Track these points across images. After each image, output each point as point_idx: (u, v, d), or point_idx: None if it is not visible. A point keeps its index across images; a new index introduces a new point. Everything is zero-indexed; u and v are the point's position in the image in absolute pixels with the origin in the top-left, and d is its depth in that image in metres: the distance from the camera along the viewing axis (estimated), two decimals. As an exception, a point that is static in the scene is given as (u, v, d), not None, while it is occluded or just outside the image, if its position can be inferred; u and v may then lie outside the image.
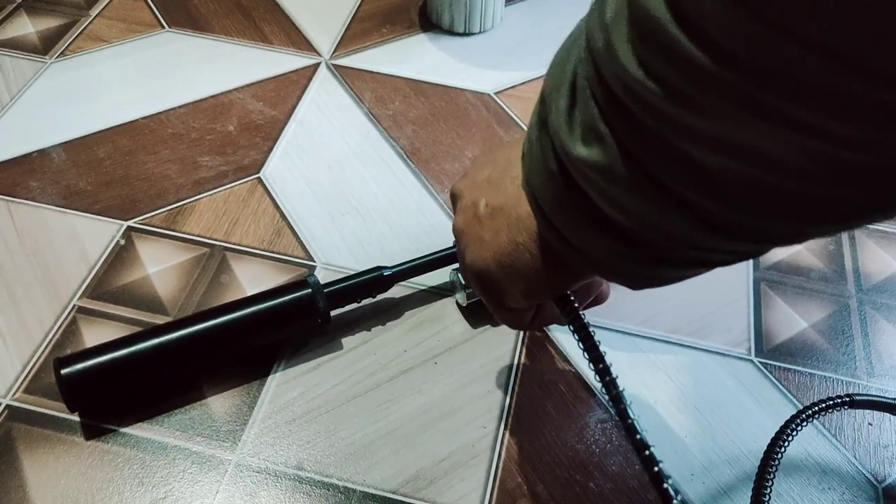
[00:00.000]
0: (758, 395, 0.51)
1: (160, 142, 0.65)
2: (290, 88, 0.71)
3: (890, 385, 0.52)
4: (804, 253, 0.60)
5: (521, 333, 0.54)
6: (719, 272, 0.57)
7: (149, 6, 0.78)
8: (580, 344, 0.39)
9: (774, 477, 0.43)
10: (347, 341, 0.53)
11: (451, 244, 0.54)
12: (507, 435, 0.48)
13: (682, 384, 0.52)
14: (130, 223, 0.59)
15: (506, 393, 0.50)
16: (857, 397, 0.47)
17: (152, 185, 0.62)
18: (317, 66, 0.73)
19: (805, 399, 0.51)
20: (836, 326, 0.55)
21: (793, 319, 0.56)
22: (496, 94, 0.72)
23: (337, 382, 0.50)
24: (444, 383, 0.51)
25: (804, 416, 0.46)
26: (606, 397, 0.37)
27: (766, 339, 0.54)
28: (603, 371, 0.37)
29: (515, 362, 0.52)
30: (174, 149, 0.65)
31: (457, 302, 0.55)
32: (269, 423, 0.48)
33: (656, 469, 0.34)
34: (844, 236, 0.61)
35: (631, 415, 0.36)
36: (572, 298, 0.40)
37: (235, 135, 0.66)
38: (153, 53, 0.73)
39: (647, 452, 0.35)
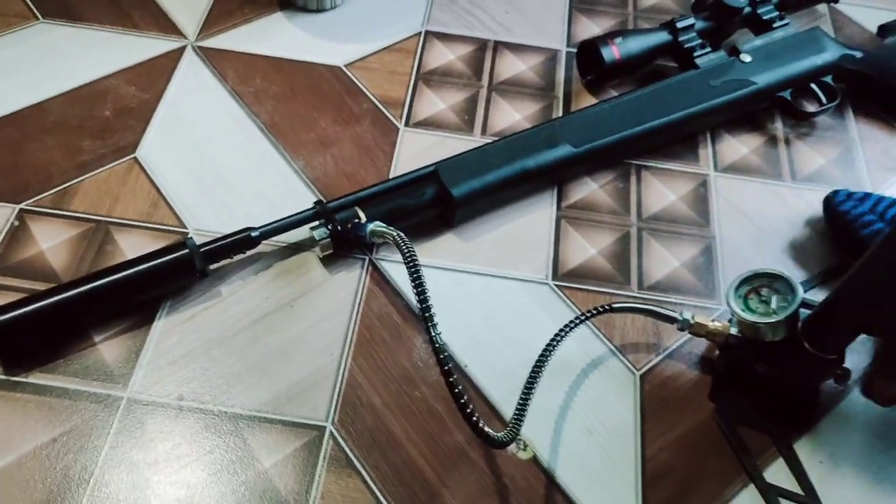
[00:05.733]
0: (551, 312, 0.64)
1: (44, 130, 0.73)
2: (160, 72, 0.79)
3: (653, 294, 0.66)
4: (599, 192, 0.73)
5: (365, 275, 0.65)
6: (529, 215, 0.69)
7: (22, -2, 0.85)
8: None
9: (544, 367, 0.57)
10: (223, 289, 0.64)
11: (307, 206, 0.65)
12: (349, 360, 0.61)
13: (492, 307, 0.64)
14: (22, 206, 0.67)
15: (349, 326, 0.62)
16: (616, 305, 0.61)
17: (40, 170, 0.70)
18: (183, 48, 0.81)
19: (586, 311, 0.64)
20: (618, 251, 0.69)
21: (584, 248, 0.69)
22: (346, 66, 0.81)
23: (210, 328, 0.61)
24: (299, 322, 0.62)
25: (571, 323, 0.59)
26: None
27: (561, 266, 0.67)
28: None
29: (359, 300, 0.64)
30: (57, 136, 0.73)
31: (316, 254, 0.66)
32: (153, 366, 0.59)
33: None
34: (633, 175, 0.74)
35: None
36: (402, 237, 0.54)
37: (112, 119, 0.75)
38: (29, 45, 0.80)
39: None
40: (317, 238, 0.64)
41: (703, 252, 0.69)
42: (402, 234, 0.57)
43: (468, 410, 0.48)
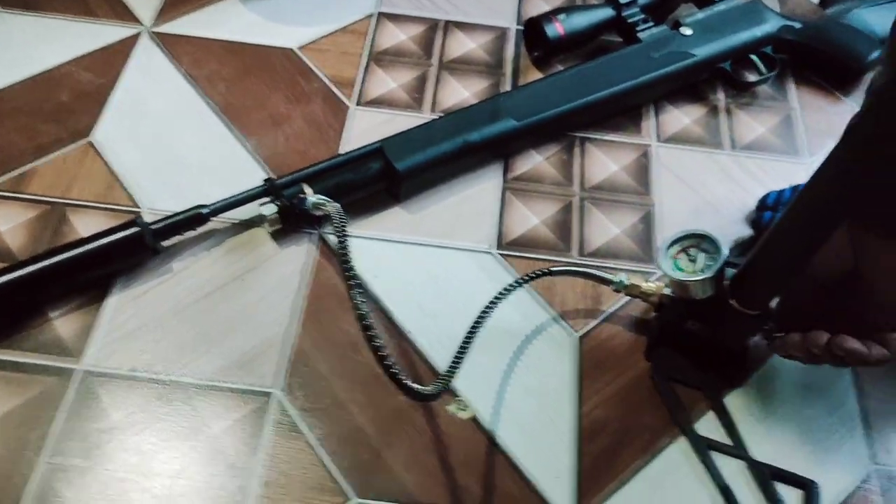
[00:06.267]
0: (494, 278, 0.67)
1: (3, 116, 0.75)
2: (116, 58, 0.81)
3: (593, 260, 0.68)
4: (544, 164, 0.75)
5: (313, 249, 0.68)
6: (476, 187, 0.71)
7: (-20, -11, 0.86)
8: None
9: (481, 325, 0.59)
10: (175, 265, 0.66)
11: (257, 183, 0.67)
12: (298, 328, 0.63)
13: (436, 277, 0.67)
14: (-19, 190, 0.70)
15: (297, 296, 0.65)
16: (554, 269, 0.63)
17: (-2, 154, 0.72)
18: (138, 35, 0.83)
19: (528, 278, 0.67)
20: (560, 220, 0.71)
21: (528, 218, 0.71)
22: (299, 48, 0.83)
23: (162, 302, 0.64)
24: (249, 294, 0.65)
25: (511, 285, 0.61)
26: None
27: (505, 236, 0.70)
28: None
29: (307, 272, 0.66)
30: (16, 120, 0.75)
31: (266, 230, 0.68)
32: (107, 339, 0.61)
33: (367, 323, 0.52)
34: (577, 147, 0.76)
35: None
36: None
37: (68, 104, 0.76)
38: (-12, 34, 0.82)
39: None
40: (266, 214, 0.66)
41: (642, 219, 0.71)
42: (337, 205, 0.59)
43: (386, 363, 0.50)
